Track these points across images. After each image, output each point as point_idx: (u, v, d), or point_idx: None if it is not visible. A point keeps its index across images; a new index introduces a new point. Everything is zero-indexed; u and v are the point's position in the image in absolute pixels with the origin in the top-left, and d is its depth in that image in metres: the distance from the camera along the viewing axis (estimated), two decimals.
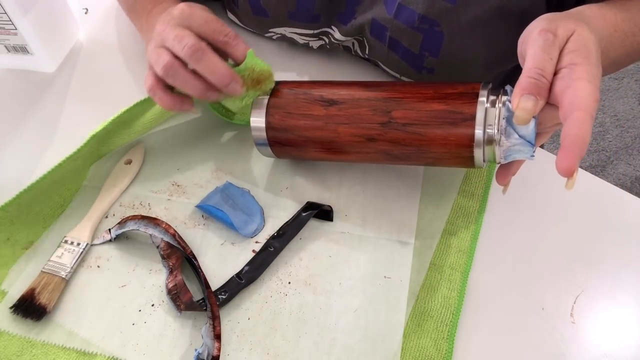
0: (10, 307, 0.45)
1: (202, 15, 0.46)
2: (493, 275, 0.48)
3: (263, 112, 0.49)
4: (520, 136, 0.39)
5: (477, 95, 0.42)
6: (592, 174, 0.55)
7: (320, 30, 0.59)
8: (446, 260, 0.49)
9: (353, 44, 0.60)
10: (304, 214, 0.50)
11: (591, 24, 0.40)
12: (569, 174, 0.33)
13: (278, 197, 0.53)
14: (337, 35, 0.58)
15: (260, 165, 0.55)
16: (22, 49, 0.59)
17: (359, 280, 0.47)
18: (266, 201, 0.52)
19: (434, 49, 0.53)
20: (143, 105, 0.54)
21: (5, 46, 0.59)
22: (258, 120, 0.49)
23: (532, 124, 0.38)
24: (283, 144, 0.49)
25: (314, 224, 0.51)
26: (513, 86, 0.39)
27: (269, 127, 0.49)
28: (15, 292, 0.46)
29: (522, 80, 0.37)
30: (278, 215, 0.51)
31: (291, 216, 0.51)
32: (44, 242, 0.49)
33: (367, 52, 0.59)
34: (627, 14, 0.47)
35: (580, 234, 0.51)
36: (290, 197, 0.52)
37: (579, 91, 0.34)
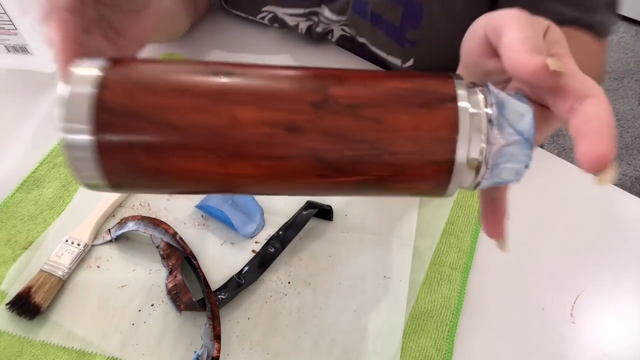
0: (7, 304, 0.45)
1: None
2: (493, 275, 0.48)
3: (89, 78, 0.26)
4: (517, 131, 0.27)
5: (450, 76, 0.29)
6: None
7: (310, 10, 0.61)
8: (446, 260, 0.49)
9: (343, 29, 0.62)
10: (304, 214, 0.50)
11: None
12: (603, 164, 0.23)
13: (278, 197, 0.53)
14: (327, 13, 0.60)
15: None
16: (22, 49, 0.59)
17: (359, 280, 0.47)
18: (266, 201, 0.52)
19: (414, 21, 0.55)
20: None
21: (5, 46, 0.59)
22: (75, 90, 0.26)
23: (529, 115, 0.27)
24: (127, 143, 0.26)
25: (314, 224, 0.51)
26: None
27: (100, 107, 0.26)
28: (14, 291, 0.46)
29: (520, 42, 0.26)
30: (278, 215, 0.51)
31: (291, 216, 0.51)
32: (43, 242, 0.49)
33: (355, 34, 0.62)
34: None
35: (580, 234, 0.51)
36: (290, 196, 0.52)
37: (587, 81, 0.26)
